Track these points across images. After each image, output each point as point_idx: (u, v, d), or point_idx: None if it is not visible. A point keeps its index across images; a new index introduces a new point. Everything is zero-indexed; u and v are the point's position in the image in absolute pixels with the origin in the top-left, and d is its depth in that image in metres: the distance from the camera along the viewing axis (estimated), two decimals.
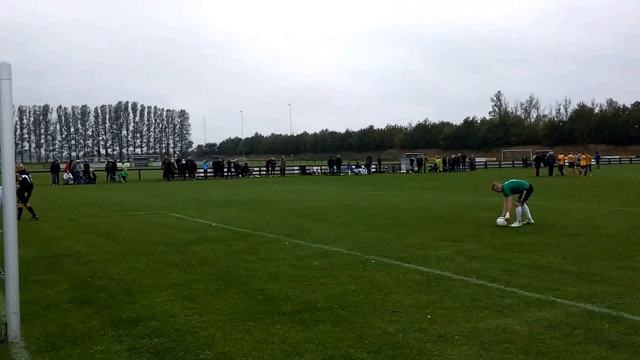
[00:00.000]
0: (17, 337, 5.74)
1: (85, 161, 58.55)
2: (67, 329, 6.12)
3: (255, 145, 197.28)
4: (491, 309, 6.58)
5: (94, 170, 46.63)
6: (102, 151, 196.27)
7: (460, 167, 61.49)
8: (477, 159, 70.83)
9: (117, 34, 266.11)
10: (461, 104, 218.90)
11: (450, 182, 36.66)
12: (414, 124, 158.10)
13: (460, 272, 8.59)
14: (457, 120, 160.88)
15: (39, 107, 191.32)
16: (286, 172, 55.83)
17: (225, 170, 51.78)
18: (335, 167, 55.49)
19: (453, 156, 63.46)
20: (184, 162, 51.40)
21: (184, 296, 7.45)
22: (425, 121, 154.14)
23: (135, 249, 11.39)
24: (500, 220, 13.70)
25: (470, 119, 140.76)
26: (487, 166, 70.25)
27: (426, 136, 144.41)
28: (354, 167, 57.57)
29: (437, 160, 61.51)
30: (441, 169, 58.89)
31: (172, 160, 51.69)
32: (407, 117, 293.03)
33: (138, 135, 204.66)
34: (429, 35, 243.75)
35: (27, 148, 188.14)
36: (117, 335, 5.90)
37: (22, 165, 21.12)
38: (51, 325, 6.29)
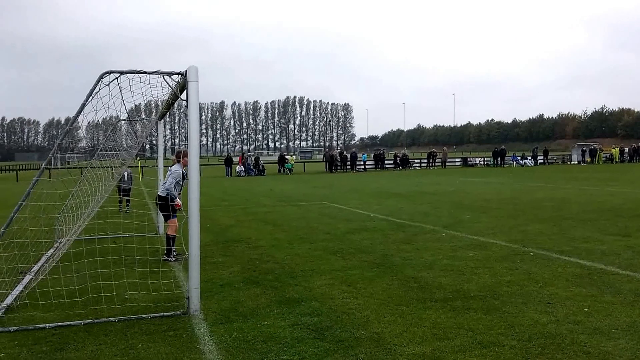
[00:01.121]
0: (197, 310, 6.53)
1: (256, 154, 62.01)
2: (239, 305, 6.82)
3: (417, 137, 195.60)
4: None
5: (263, 163, 49.41)
6: (271, 145, 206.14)
7: None
8: None
9: (284, 34, 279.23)
10: None
11: (627, 174, 34.02)
12: (589, 112, 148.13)
13: (626, 267, 8.19)
14: None
15: (216, 103, 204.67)
16: (447, 164, 55.13)
17: (392, 162, 52.80)
18: (499, 158, 53.76)
19: (633, 145, 58.43)
20: (345, 154, 52.88)
21: (341, 281, 7.92)
22: (602, 108, 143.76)
23: (299, 237, 12.13)
24: None
25: None
26: None
27: (603, 124, 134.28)
28: (519, 158, 55.32)
29: (613, 150, 57.09)
30: (617, 160, 54.62)
31: (333, 153, 53.25)
32: (581, 104, 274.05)
33: (304, 128, 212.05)
34: (608, 15, 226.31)
35: (204, 142, 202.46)
36: (282, 312, 6.48)
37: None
38: (225, 301, 7.04)
